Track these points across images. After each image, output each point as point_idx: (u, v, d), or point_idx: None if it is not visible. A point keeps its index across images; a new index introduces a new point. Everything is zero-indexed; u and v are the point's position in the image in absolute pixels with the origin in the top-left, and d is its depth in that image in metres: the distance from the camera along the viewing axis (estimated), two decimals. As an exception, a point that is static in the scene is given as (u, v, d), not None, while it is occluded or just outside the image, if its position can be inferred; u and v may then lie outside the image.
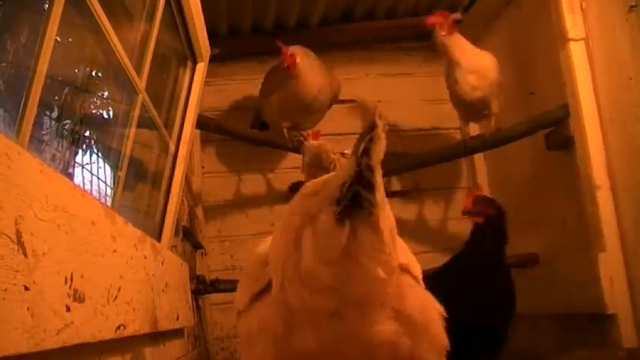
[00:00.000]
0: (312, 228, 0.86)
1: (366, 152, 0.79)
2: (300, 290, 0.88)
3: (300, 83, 3.24)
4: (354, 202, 0.81)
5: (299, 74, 3.21)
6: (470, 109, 3.13)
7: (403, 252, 1.05)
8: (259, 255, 1.05)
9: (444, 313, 1.00)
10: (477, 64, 3.02)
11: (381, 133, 0.79)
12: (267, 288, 0.98)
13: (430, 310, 0.99)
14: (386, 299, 0.91)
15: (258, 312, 0.97)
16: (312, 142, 1.98)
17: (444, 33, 3.04)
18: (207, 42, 2.83)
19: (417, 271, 1.10)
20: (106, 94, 2.15)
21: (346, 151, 4.10)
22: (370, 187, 0.80)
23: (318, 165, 1.69)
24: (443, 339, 0.98)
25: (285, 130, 3.45)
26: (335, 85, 3.48)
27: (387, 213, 0.86)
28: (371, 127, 0.79)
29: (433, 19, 3.07)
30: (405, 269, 1.02)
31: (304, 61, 3.22)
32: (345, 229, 0.82)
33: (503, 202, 2.46)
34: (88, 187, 1.93)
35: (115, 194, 1.97)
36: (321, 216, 0.84)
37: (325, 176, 0.90)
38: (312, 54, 3.34)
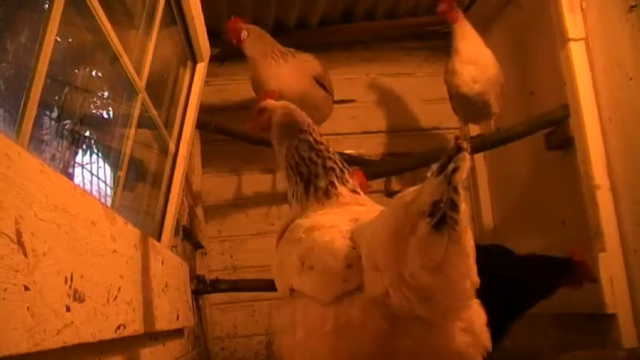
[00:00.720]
0: (415, 237, 0.93)
1: (454, 172, 0.87)
2: (408, 296, 0.96)
3: (256, 74, 3.22)
4: (442, 219, 0.90)
5: (251, 62, 3.21)
6: (468, 104, 3.11)
7: None
8: (337, 250, 1.09)
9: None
10: (478, 56, 3.02)
11: (467, 155, 0.87)
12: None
13: (482, 319, 1.09)
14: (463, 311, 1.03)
15: (358, 307, 1.04)
16: (274, 103, 1.49)
17: (451, 21, 3.07)
18: (207, 42, 2.83)
19: None
20: (106, 94, 2.15)
21: (347, 151, 4.09)
22: (455, 207, 0.89)
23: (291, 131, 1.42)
24: (489, 345, 1.09)
25: None
26: (308, 67, 3.36)
27: (469, 232, 0.96)
28: (459, 148, 0.87)
29: (442, 7, 3.09)
30: None
31: (252, 42, 3.19)
32: (444, 238, 0.91)
33: (504, 202, 2.47)
34: (88, 187, 1.93)
35: (115, 194, 1.97)
36: (419, 226, 0.92)
37: (416, 187, 0.97)
38: (269, 39, 3.27)
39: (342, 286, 1.07)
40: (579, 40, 2.67)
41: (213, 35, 3.09)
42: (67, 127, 1.72)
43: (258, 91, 3.25)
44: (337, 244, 1.11)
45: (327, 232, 1.16)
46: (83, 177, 1.94)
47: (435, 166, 0.91)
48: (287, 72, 3.23)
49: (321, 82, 3.43)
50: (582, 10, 2.68)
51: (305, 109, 3.76)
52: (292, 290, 1.19)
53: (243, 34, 3.18)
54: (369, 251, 1.04)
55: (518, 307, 2.21)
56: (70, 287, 1.07)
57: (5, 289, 0.83)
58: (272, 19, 3.77)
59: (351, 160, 3.66)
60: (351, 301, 1.05)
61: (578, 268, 2.25)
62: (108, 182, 2.04)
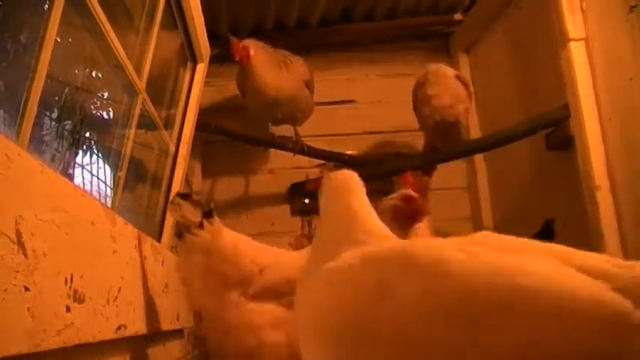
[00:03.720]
0: None
1: None
2: None
3: (257, 83, 3.22)
4: None
5: (253, 71, 3.18)
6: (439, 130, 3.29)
7: None
8: None
9: None
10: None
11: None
12: None
13: None
14: None
15: None
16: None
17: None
18: (207, 42, 2.83)
19: None
20: (106, 94, 2.15)
21: (348, 152, 4.09)
22: None
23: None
24: None
25: (270, 125, 3.51)
26: (302, 72, 3.42)
27: None
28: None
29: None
30: None
31: (259, 55, 3.18)
32: None
33: (503, 202, 2.48)
34: (88, 187, 1.93)
35: (115, 195, 1.97)
36: None
37: None
38: (270, 48, 3.29)
39: None
40: (580, 40, 2.67)
41: (213, 35, 3.09)
42: (67, 127, 1.72)
43: (252, 94, 3.26)
44: None
45: None
46: (83, 177, 1.94)
47: None
48: (287, 79, 3.29)
49: (308, 86, 3.51)
50: (582, 10, 2.67)
51: (295, 112, 3.80)
52: None
53: (252, 52, 3.15)
54: None
55: None
56: (70, 288, 1.07)
57: (5, 290, 0.83)
58: (272, 19, 3.76)
59: (351, 161, 3.67)
60: None
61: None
62: (108, 183, 2.04)
